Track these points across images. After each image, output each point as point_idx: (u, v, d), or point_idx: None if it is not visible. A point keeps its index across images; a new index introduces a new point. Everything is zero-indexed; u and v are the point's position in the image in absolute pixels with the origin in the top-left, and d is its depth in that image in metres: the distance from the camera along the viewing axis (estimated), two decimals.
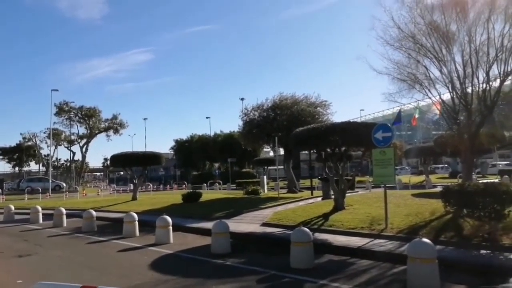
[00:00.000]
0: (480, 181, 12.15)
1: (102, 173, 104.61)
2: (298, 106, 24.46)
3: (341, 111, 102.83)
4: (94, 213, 15.21)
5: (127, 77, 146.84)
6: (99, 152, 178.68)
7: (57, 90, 49.93)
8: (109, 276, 7.96)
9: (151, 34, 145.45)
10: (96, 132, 61.56)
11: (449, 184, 12.61)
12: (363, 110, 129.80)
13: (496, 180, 17.94)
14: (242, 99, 47.10)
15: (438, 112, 17.35)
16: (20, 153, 77.01)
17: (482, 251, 8.09)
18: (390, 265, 7.81)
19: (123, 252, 10.45)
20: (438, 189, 15.75)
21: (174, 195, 25.61)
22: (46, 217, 17.46)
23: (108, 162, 42.68)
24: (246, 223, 13.66)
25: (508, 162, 42.78)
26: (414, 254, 6.22)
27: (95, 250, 11.11)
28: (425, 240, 6.36)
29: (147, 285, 7.13)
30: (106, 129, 61.79)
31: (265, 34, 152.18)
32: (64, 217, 16.43)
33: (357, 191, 22.80)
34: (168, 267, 8.58)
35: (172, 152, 68.19)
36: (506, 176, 24.59)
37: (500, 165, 38.57)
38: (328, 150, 15.07)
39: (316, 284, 6.81)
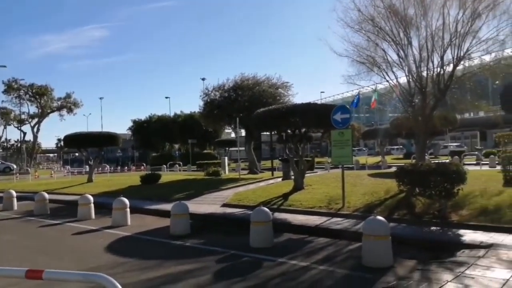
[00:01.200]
0: (432, 162, 12.66)
1: (55, 154, 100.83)
2: (259, 87, 24.38)
3: (302, 93, 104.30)
4: (46, 195, 14.60)
5: (82, 54, 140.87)
6: (52, 133, 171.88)
7: (5, 66, 47.22)
8: (62, 260, 7.69)
9: (108, 9, 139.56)
10: (48, 111, 58.76)
11: (403, 164, 13.06)
12: (323, 92, 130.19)
13: (447, 161, 18.80)
14: (203, 79, 46.65)
15: (395, 95, 17.87)
16: None
17: (433, 228, 8.47)
18: (346, 242, 8.03)
19: (77, 235, 10.11)
20: (393, 169, 16.32)
21: (132, 177, 25.07)
22: None
23: (62, 143, 41.00)
24: (206, 204, 13.59)
25: (458, 144, 45.09)
26: (369, 232, 6.40)
27: (47, 233, 10.69)
28: (379, 217, 6.57)
29: (102, 268, 6.92)
30: (59, 108, 59.10)
31: (226, 12, 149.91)
32: (15, 200, 15.69)
33: (316, 172, 23.27)
34: (125, 250, 8.40)
35: (130, 132, 66.44)
36: (457, 156, 25.83)
37: (451, 147, 40.56)
38: (289, 131, 15.18)
39: (274, 262, 6.88)
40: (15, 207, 15.38)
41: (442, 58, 14.17)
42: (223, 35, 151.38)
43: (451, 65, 14.23)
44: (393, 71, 15.12)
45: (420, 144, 15.81)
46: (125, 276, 6.34)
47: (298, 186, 14.13)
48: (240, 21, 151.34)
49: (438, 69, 14.38)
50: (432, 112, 14.75)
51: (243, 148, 26.68)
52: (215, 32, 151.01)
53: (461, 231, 7.96)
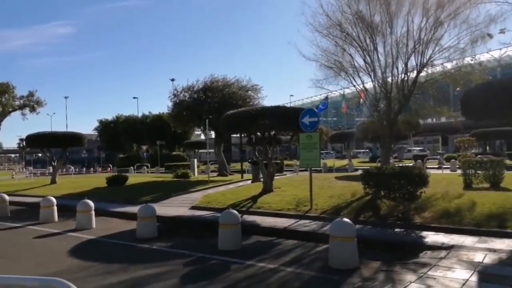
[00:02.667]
0: (397, 165, 13.03)
1: (17, 154, 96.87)
2: (229, 89, 24.35)
3: (271, 96, 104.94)
4: (7, 197, 14.02)
5: (45, 52, 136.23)
6: (14, 132, 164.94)
7: None
8: (22, 265, 7.39)
9: (72, 5, 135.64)
10: (10, 110, 56.45)
11: (368, 167, 13.38)
12: (292, 95, 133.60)
13: (411, 164, 19.40)
14: (172, 80, 45.97)
15: (361, 99, 18.29)
16: None
17: (397, 230, 8.72)
18: (313, 244, 8.13)
19: (39, 239, 9.77)
20: (359, 172, 16.67)
21: (98, 179, 24.43)
22: None
23: (24, 142, 39.47)
24: (174, 207, 13.43)
25: (421, 148, 46.57)
26: (335, 233, 6.52)
27: (7, 237, 10.26)
28: (346, 220, 6.69)
29: (64, 272, 6.71)
30: (21, 107, 56.89)
31: (195, 13, 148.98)
32: None
33: (285, 174, 23.46)
34: (90, 253, 8.17)
35: (96, 133, 64.75)
36: (420, 160, 26.66)
37: (415, 151, 41.79)
38: (258, 133, 15.24)
39: (242, 265, 6.88)
40: None
41: (406, 64, 14.61)
42: (192, 36, 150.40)
43: (415, 71, 14.70)
44: (359, 76, 15.46)
45: (385, 148, 16.23)
46: (88, 281, 6.18)
47: (267, 189, 14.20)
48: (210, 22, 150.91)
49: (403, 75, 14.81)
50: (396, 117, 15.18)
51: (212, 150, 26.55)
52: (184, 32, 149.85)
53: (424, 233, 8.24)
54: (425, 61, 14.39)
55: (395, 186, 9.36)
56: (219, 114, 18.93)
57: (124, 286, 5.95)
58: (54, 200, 12.46)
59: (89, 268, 7.02)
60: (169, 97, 25.91)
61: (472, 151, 29.55)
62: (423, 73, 15.26)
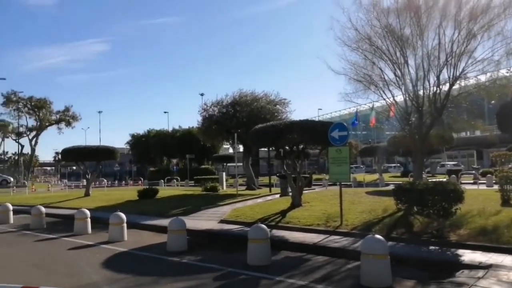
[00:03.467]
0: (430, 180, 12.69)
1: (53, 167, 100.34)
2: (257, 103, 24.52)
3: (299, 110, 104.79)
4: (43, 209, 14.50)
5: (81, 68, 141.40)
6: (50, 146, 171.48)
7: (4, 78, 47.31)
8: (57, 276, 7.62)
9: (107, 24, 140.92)
10: (47, 124, 58.80)
11: (400, 182, 13.09)
12: (321, 109, 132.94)
13: (445, 179, 18.82)
14: (201, 95, 46.73)
15: (392, 113, 18.00)
16: None
17: (431, 247, 8.45)
18: (344, 261, 7.99)
19: (73, 250, 10.02)
20: (391, 187, 16.35)
21: (129, 192, 24.95)
22: None
23: (60, 156, 40.89)
24: (203, 220, 13.53)
25: (455, 162, 45.15)
26: (367, 250, 6.39)
27: (43, 248, 10.60)
28: (378, 236, 6.56)
29: (98, 284, 6.88)
30: (57, 122, 59.16)
31: (225, 29, 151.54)
32: (11, 213, 15.58)
33: (314, 189, 23.22)
34: (121, 266, 8.32)
35: (128, 147, 66.37)
36: (454, 175, 25.87)
37: (448, 165, 40.60)
38: (287, 147, 15.22)
39: (272, 281, 6.84)
40: (11, 221, 15.25)
41: (438, 77, 14.33)
42: (221, 52, 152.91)
43: (447, 84, 14.39)
44: (390, 90, 15.25)
45: (417, 162, 15.86)
46: None
47: (296, 203, 14.11)
48: (239, 38, 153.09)
49: (435, 88, 14.52)
50: (428, 131, 14.84)
51: (240, 164, 26.67)
52: (214, 48, 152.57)
53: (460, 251, 7.95)
54: (458, 74, 14.07)
55: (429, 202, 9.10)
56: (248, 128, 19.07)
57: None
58: (88, 212, 12.80)
59: (122, 280, 7.15)
60: (198, 111, 26.32)
61: (510, 166, 28.43)
62: (456, 86, 14.91)
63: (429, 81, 14.51)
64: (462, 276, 6.49)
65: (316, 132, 13.30)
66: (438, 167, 41.39)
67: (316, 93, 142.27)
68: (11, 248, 10.46)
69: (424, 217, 9.45)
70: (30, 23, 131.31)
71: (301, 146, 15.08)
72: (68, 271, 7.93)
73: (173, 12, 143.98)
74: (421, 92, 14.88)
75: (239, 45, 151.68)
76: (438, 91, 14.53)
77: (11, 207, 15.84)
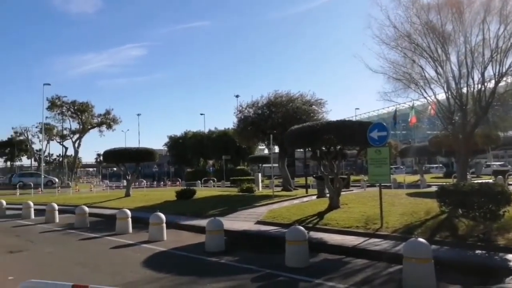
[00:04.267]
0: (475, 181, 12.15)
1: (95, 168, 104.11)
2: (293, 104, 24.36)
3: (336, 110, 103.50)
4: (86, 209, 15.06)
5: (120, 72, 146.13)
6: (92, 148, 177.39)
7: (49, 84, 49.26)
8: (101, 273, 7.86)
9: (144, 29, 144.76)
10: (89, 127, 61.08)
11: (444, 183, 12.61)
12: (358, 109, 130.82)
13: (491, 181, 18.01)
14: (237, 96, 46.91)
15: (433, 112, 17.39)
16: (12, 147, 76.22)
17: (478, 251, 8.09)
18: (385, 265, 7.78)
19: (115, 249, 10.34)
20: (433, 188, 15.79)
21: (167, 192, 25.47)
22: (38, 212, 17.28)
23: (101, 157, 42.38)
24: (240, 221, 13.59)
25: (502, 163, 43.10)
26: (410, 254, 6.18)
27: (87, 246, 10.99)
28: (421, 239, 6.33)
29: (140, 282, 7.04)
30: (99, 125, 61.32)
31: (260, 31, 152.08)
32: (57, 212, 16.28)
33: (352, 190, 22.83)
34: (162, 265, 8.49)
35: (166, 148, 67.86)
36: (500, 176, 24.70)
37: (494, 166, 38.84)
38: (323, 148, 15.03)
39: (311, 283, 6.76)
40: (57, 220, 15.93)
41: (483, 74, 13.75)
42: (256, 54, 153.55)
43: (493, 81, 13.76)
44: (431, 88, 14.81)
45: (461, 163, 15.26)
46: None
47: (334, 205, 13.89)
48: (274, 39, 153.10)
49: (479, 85, 13.95)
50: (473, 130, 14.25)
51: (276, 165, 26.60)
52: (248, 50, 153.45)
53: (509, 256, 7.55)
54: (504, 71, 13.47)
55: (475, 204, 8.70)
56: (283, 129, 18.98)
57: None
58: (129, 212, 13.17)
59: (162, 279, 7.28)
60: (234, 113, 26.48)
61: None
62: (502, 83, 14.25)
63: (473, 78, 13.97)
64: (511, 282, 6.17)
65: (354, 132, 13.04)
66: (484, 168, 39.63)
67: (353, 93, 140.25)
68: (57, 247, 10.91)
69: (470, 220, 9.05)
70: (73, 31, 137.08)
71: (338, 147, 14.84)
72: (111, 270, 8.18)
73: (207, 16, 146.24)
74: (464, 90, 14.33)
75: (274, 46, 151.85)
76: (483, 88, 13.93)
77: (56, 207, 16.56)
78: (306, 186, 23.90)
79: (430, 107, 16.96)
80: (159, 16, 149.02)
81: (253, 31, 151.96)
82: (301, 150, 25.25)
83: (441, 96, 15.43)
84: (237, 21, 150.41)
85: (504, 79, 13.92)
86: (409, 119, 28.99)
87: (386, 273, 7.37)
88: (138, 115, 78.11)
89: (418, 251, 6.13)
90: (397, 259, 7.04)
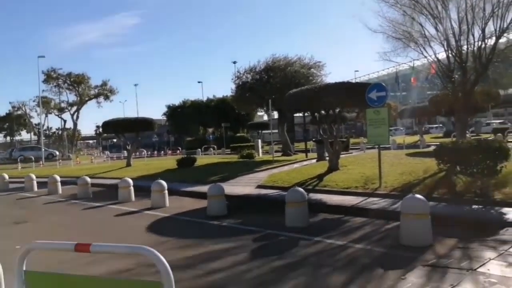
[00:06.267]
0: (473, 139, 12.18)
1: (95, 140, 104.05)
2: (291, 68, 24.09)
3: (335, 72, 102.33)
4: (88, 179, 15.18)
5: (116, 42, 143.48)
6: (91, 120, 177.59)
7: (43, 56, 48.83)
8: (106, 240, 8.00)
9: None
10: (86, 99, 60.80)
11: (442, 142, 12.64)
12: (357, 71, 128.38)
13: (489, 138, 18.05)
14: (234, 63, 46.38)
15: (433, 71, 17.22)
16: (11, 122, 76.04)
17: (475, 207, 8.22)
18: (383, 222, 7.92)
19: (119, 217, 10.51)
20: (432, 148, 15.84)
21: (168, 161, 25.62)
22: (41, 185, 17.42)
23: (101, 129, 42.38)
24: (241, 186, 13.74)
25: (502, 121, 43.05)
26: (407, 210, 6.28)
27: (91, 215, 11.17)
28: (418, 196, 6.41)
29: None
30: (96, 96, 61.04)
31: None
32: (59, 184, 16.41)
33: (352, 153, 22.95)
34: (165, 229, 8.66)
35: (165, 118, 67.64)
36: (500, 134, 24.75)
37: (494, 124, 38.77)
38: (322, 111, 14.99)
39: (310, 241, 6.90)
40: (60, 191, 16.10)
41: (483, 30, 13.49)
42: (252, 17, 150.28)
43: (494, 37, 13.53)
44: (431, 46, 14.57)
45: (461, 122, 15.25)
46: (166, 254, 6.44)
47: (333, 167, 14.01)
48: (270, 1, 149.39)
49: (479, 42, 13.72)
50: (473, 88, 14.15)
51: (276, 131, 26.62)
52: (245, 13, 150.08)
53: (505, 209, 7.68)
54: (505, 26, 13.21)
55: (473, 161, 8.76)
56: (282, 94, 18.86)
57: (199, 259, 6.22)
58: (130, 181, 13.29)
59: (166, 242, 7.44)
60: (232, 79, 26.25)
61: None
62: (503, 39, 14.04)
63: (473, 35, 13.73)
64: (506, 233, 6.29)
65: (353, 93, 12.95)
66: (483, 126, 39.62)
67: (352, 54, 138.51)
68: (62, 216, 11.09)
69: (467, 177, 9.14)
70: (65, 1, 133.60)
71: (337, 110, 14.80)
72: (116, 236, 8.36)
73: None
74: (464, 47, 14.11)
75: (270, 9, 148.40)
76: (483, 45, 13.71)
77: (59, 179, 16.68)
78: (306, 151, 24.02)
79: (430, 66, 16.76)
80: None
81: None
82: (301, 115, 25.23)
83: (442, 54, 15.24)
84: None
85: (505, 35, 13.68)
86: (410, 79, 28.80)
87: (384, 230, 7.51)
88: (136, 85, 77.85)
89: (416, 207, 6.23)
90: (395, 216, 7.16)
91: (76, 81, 58.97)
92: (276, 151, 25.22)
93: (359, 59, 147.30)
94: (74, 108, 61.38)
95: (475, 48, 13.85)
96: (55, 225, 9.86)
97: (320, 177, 12.98)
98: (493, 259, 5.09)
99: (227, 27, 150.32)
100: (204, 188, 11.62)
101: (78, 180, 15.26)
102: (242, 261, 6.11)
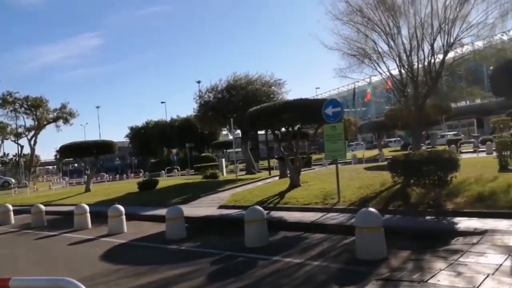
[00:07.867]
0: (425, 150, 12.59)
1: (55, 166, 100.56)
2: (252, 86, 24.32)
3: (296, 90, 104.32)
4: (43, 207, 14.51)
5: (77, 64, 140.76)
6: (50, 145, 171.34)
7: None
8: (57, 271, 7.61)
9: (98, 17, 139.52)
10: (45, 123, 58.62)
11: (395, 155, 13.01)
12: (318, 88, 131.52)
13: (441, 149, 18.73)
14: (198, 82, 45.90)
15: (388, 86, 17.78)
16: None
17: (428, 217, 8.42)
18: (341, 237, 7.96)
19: (73, 245, 10.05)
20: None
21: (130, 184, 24.96)
22: None
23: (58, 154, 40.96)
24: (203, 207, 13.52)
25: (455, 132, 44.99)
26: (361, 224, 6.35)
27: (43, 245, 10.62)
28: (371, 209, 6.51)
29: (96, 276, 6.86)
30: (55, 120, 58.96)
31: (214, 13, 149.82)
32: (11, 213, 15.57)
33: (314, 168, 23.22)
34: (121, 257, 8.33)
35: (128, 140, 66.35)
36: (453, 145, 25.78)
37: (448, 135, 40.44)
38: (283, 128, 15.12)
39: (269, 261, 6.82)
40: (12, 221, 15.27)
41: (432, 46, 14.13)
42: (213, 36, 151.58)
43: (442, 52, 14.16)
44: (384, 62, 15.10)
45: (415, 134, 15.79)
46: (119, 283, 6.31)
47: (295, 184, 14.07)
48: (229, 21, 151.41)
49: (429, 57, 14.33)
50: (425, 101, 14.70)
51: (239, 149, 26.62)
52: (206, 33, 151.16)
53: (456, 219, 7.91)
54: (452, 41, 13.87)
55: (424, 172, 9.02)
56: (244, 112, 18.92)
57: (154, 286, 6.01)
58: (87, 207, 12.79)
59: (120, 270, 7.15)
60: (194, 98, 26.17)
61: (510, 131, 28.30)
62: (451, 54, 14.72)
63: (423, 50, 14.36)
64: (457, 243, 6.44)
65: (311, 110, 13.15)
66: (438, 138, 41.22)
67: (312, 72, 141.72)
68: (11, 248, 10.48)
69: (421, 188, 9.39)
70: (24, 23, 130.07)
71: (297, 126, 14.97)
72: (67, 266, 7.96)
73: (164, 1, 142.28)
74: (415, 63, 14.69)
75: (232, 29, 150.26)
76: (432, 60, 14.33)
77: (11, 208, 15.85)
78: (269, 168, 24.07)
79: (386, 81, 17.33)
80: (112, 3, 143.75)
81: (209, 14, 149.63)
82: (264, 133, 25.34)
83: (395, 70, 15.78)
84: (193, 5, 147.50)
85: (453, 49, 14.33)
86: (365, 95, 29.67)
87: (341, 245, 7.55)
88: (97, 107, 75.96)
89: (369, 221, 6.31)
90: (352, 231, 7.19)
91: (34, 105, 56.86)
92: (241, 170, 25.15)
93: (319, 76, 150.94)
94: (32, 133, 58.98)
95: (425, 63, 14.47)
96: (4, 258, 9.29)
97: (281, 194, 12.99)
98: (443, 269, 5.17)
99: (189, 47, 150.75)
100: (164, 211, 11.29)
101: (32, 208, 14.54)
102: (198, 286, 5.95)
